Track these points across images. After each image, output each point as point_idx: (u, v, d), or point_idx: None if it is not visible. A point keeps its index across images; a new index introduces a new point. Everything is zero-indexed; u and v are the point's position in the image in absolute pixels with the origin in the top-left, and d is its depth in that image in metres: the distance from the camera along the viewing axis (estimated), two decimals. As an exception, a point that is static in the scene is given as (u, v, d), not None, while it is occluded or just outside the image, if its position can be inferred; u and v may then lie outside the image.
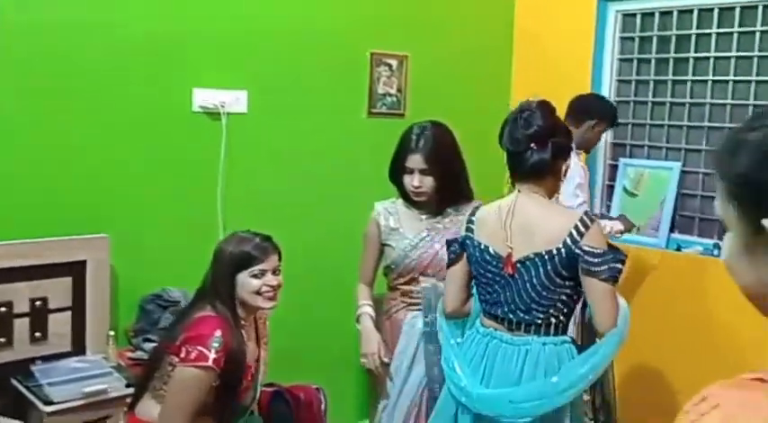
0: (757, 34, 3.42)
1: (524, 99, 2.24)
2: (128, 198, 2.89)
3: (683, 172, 3.66)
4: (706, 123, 3.64)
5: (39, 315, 2.60)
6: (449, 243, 2.32)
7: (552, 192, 2.21)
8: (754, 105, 3.46)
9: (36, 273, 2.59)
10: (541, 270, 2.07)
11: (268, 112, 3.31)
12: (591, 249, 2.03)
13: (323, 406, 3.35)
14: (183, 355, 2.11)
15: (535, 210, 2.13)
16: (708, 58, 3.59)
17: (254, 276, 2.23)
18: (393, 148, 3.71)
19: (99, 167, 2.84)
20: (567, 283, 2.08)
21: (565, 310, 2.14)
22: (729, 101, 3.55)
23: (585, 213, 2.15)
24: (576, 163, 3.31)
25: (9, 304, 2.54)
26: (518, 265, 2.10)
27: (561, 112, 2.54)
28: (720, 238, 3.52)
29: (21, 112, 2.65)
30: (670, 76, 3.75)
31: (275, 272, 2.28)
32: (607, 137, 3.87)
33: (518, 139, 2.13)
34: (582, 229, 2.05)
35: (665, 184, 3.63)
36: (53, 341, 2.65)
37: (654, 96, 3.80)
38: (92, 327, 2.72)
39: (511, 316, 2.14)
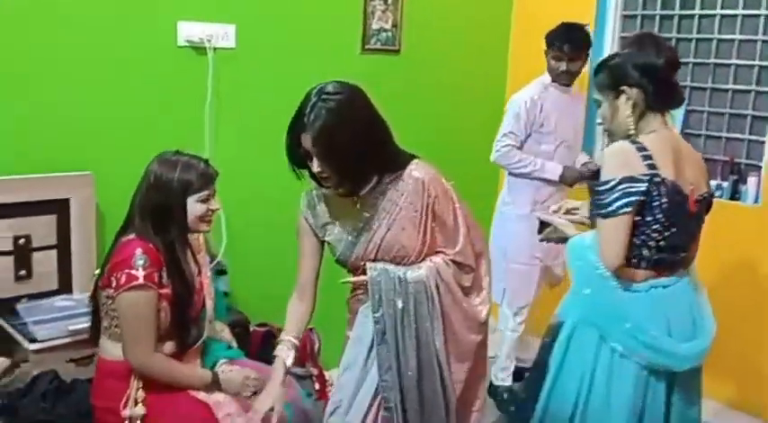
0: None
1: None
2: (113, 136, 2.82)
3: (687, 111, 3.55)
4: (712, 60, 3.52)
5: (22, 253, 2.56)
6: (626, 180, 1.95)
7: None
8: (764, 41, 3.33)
9: (19, 210, 2.55)
10: (703, 208, 2.11)
11: (257, 47, 3.21)
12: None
13: (316, 346, 3.35)
14: (113, 284, 2.08)
15: (685, 146, 2.12)
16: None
17: (201, 202, 2.19)
18: (388, 87, 3.63)
19: (82, 105, 2.76)
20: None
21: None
22: (737, 36, 3.41)
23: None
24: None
25: (-8, 241, 2.49)
26: (696, 202, 2.06)
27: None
28: (725, 179, 3.44)
29: (2, 49, 2.56)
30: (677, 11, 3.61)
31: (214, 196, 2.25)
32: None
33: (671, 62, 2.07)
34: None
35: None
36: (38, 280, 2.61)
37: (659, 31, 3.66)
38: (78, 265, 2.68)
39: (676, 258, 2.06)
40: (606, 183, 1.97)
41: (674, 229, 2.00)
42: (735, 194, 3.44)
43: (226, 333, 2.55)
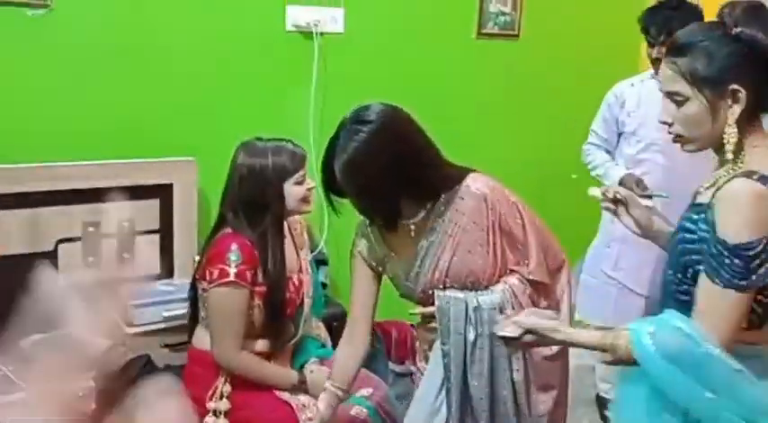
0: None
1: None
2: (216, 121, 2.82)
3: None
4: None
5: (126, 236, 2.59)
6: (763, 250, 1.31)
7: None
8: None
9: (124, 194, 2.57)
10: None
11: (366, 32, 3.11)
12: None
13: (417, 343, 3.24)
14: (207, 277, 2.05)
15: None
16: None
17: (298, 183, 2.12)
18: (504, 76, 3.42)
19: (188, 90, 2.77)
20: None
21: None
22: None
23: None
24: None
25: (97, 224, 2.54)
26: None
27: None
28: None
29: (110, 35, 2.61)
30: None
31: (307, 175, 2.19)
32: None
33: None
34: None
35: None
36: (141, 263, 2.64)
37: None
38: (179, 250, 2.70)
39: None
40: (750, 246, 1.31)
41: None
42: None
43: (321, 331, 2.48)
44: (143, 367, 2.31)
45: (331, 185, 1.75)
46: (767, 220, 1.31)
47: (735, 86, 1.36)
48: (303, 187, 2.13)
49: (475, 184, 1.78)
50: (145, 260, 2.59)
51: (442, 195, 1.78)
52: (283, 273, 2.11)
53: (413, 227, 1.82)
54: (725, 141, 1.38)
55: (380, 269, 1.90)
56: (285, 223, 2.21)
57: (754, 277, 1.31)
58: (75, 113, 2.57)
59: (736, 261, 1.31)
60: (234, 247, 2.03)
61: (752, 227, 1.31)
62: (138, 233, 2.62)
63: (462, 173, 1.80)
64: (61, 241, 2.49)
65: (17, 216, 2.41)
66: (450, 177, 1.79)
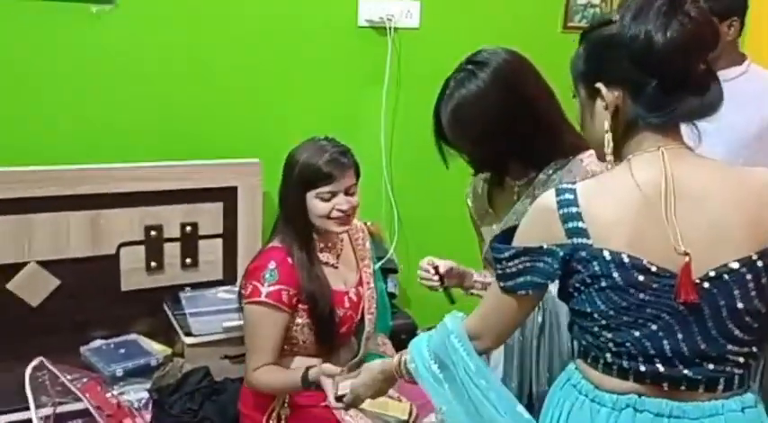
0: None
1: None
2: (282, 121, 2.69)
3: None
4: None
5: (189, 240, 2.52)
6: (516, 254, 1.24)
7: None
8: None
9: (187, 197, 2.50)
10: (752, 287, 1.16)
11: (443, 26, 2.92)
12: None
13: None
14: (243, 291, 1.92)
15: (709, 179, 1.19)
16: None
17: (322, 199, 1.90)
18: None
19: (254, 89, 2.66)
20: None
21: (762, 346, 1.25)
22: None
23: None
24: None
25: (159, 228, 2.46)
26: (705, 285, 1.16)
27: None
28: None
29: (173, 33, 2.51)
30: None
31: (349, 192, 1.93)
32: None
33: (680, 44, 1.15)
34: None
35: None
36: (204, 268, 2.56)
37: None
38: (243, 255, 2.59)
39: (684, 371, 1.19)
40: (499, 250, 1.27)
41: (645, 329, 1.18)
42: None
43: (387, 347, 2.30)
44: (200, 381, 2.20)
45: (440, 132, 1.64)
46: (533, 232, 1.23)
47: (599, 85, 1.21)
48: (328, 205, 1.90)
49: (590, 161, 1.57)
50: (207, 266, 2.54)
51: (552, 163, 1.61)
52: (321, 290, 1.93)
53: (517, 189, 1.68)
54: (604, 146, 1.22)
55: (479, 223, 1.81)
56: (346, 234, 2.06)
57: (511, 283, 1.25)
58: (136, 114, 2.49)
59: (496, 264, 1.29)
60: (272, 264, 1.89)
61: (518, 234, 1.26)
62: (201, 237, 2.55)
63: (582, 144, 1.56)
64: (123, 245, 2.42)
65: (79, 218, 2.35)
66: (568, 145, 1.59)
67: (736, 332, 1.17)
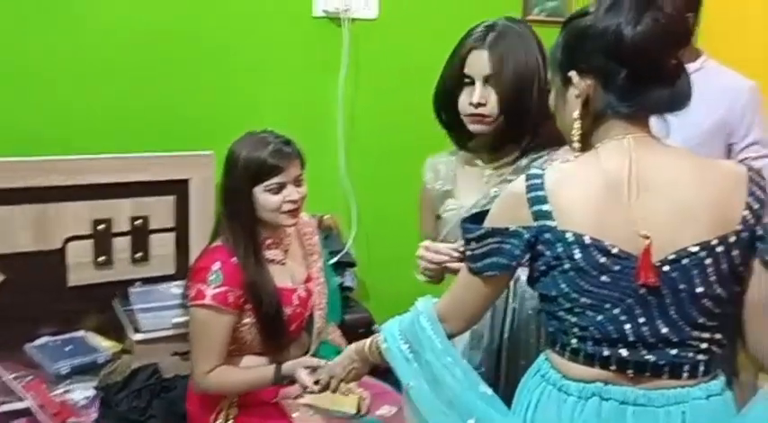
0: None
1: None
2: (237, 112, 2.63)
3: None
4: None
5: (139, 234, 2.46)
6: (484, 234, 1.28)
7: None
8: None
9: (137, 190, 2.44)
10: (711, 271, 1.19)
11: (401, 17, 2.89)
12: None
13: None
14: (188, 293, 1.88)
15: (674, 166, 1.22)
16: None
17: (272, 192, 1.86)
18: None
19: (207, 80, 2.60)
20: (743, 288, 1.25)
21: (727, 334, 1.26)
22: None
23: (748, 165, 1.29)
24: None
25: (108, 221, 2.40)
26: (665, 268, 1.18)
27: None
28: None
29: (124, 24, 2.45)
30: None
31: (297, 182, 1.91)
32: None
33: (651, 38, 1.18)
34: (760, 194, 1.22)
35: None
36: (155, 263, 2.51)
37: None
38: (196, 249, 2.52)
39: (648, 356, 1.21)
40: (469, 230, 1.31)
41: (608, 313, 1.21)
42: None
43: (336, 336, 2.28)
44: (148, 378, 2.16)
45: (448, 90, 1.67)
46: (503, 215, 1.27)
47: (572, 73, 1.25)
48: (278, 197, 1.86)
49: (565, 157, 1.54)
50: (159, 260, 2.49)
51: (530, 154, 1.65)
52: (267, 289, 1.89)
53: (487, 173, 1.70)
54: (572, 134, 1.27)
55: (438, 208, 1.77)
56: (294, 229, 2.02)
57: (479, 264, 1.28)
58: (84, 104, 2.42)
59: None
60: (216, 265, 1.85)
61: (489, 216, 1.29)
62: (151, 231, 2.49)
63: (555, 140, 1.56)
64: (70, 239, 2.35)
65: (24, 212, 2.28)
66: (553, 136, 1.55)
67: (698, 317, 1.19)
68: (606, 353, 1.21)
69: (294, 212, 1.92)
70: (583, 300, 1.20)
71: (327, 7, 2.73)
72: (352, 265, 2.85)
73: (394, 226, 3.00)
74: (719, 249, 1.18)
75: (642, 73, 1.19)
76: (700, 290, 1.18)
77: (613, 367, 1.22)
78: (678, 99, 1.22)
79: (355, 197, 2.92)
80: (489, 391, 1.33)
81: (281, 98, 2.72)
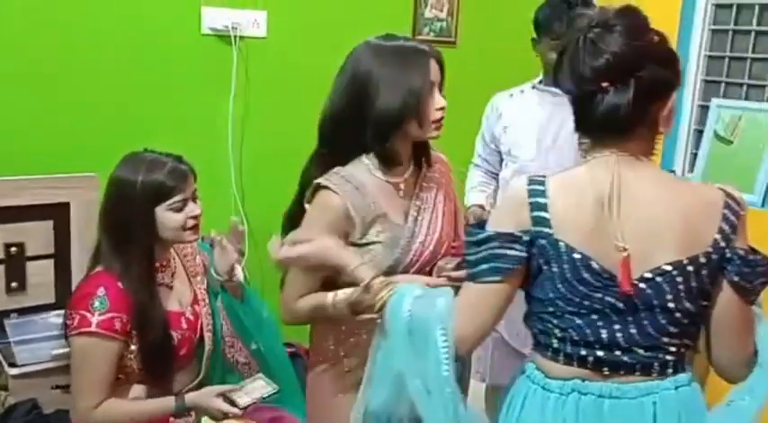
0: None
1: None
2: (121, 132, 2.53)
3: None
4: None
5: (15, 262, 2.31)
6: (487, 238, 1.32)
7: (645, 153, 1.38)
8: None
9: (12, 215, 2.29)
10: (682, 288, 1.31)
11: (291, 36, 2.88)
12: (747, 254, 1.33)
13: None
14: (70, 322, 1.80)
15: (653, 187, 1.33)
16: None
17: (174, 210, 1.83)
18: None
19: (88, 99, 2.50)
20: (710, 303, 1.37)
21: (695, 338, 1.41)
22: None
23: (726, 190, 1.37)
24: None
25: (-20, 249, 2.25)
26: (641, 285, 1.30)
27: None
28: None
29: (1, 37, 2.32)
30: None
31: (194, 197, 1.90)
32: (698, 72, 3.26)
33: (581, 74, 1.31)
34: (733, 219, 1.33)
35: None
36: (33, 292, 2.36)
37: (759, 24, 3.14)
38: (78, 276, 2.40)
39: (622, 358, 1.34)
40: (472, 234, 1.36)
41: (587, 318, 1.33)
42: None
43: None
44: (28, 413, 2.02)
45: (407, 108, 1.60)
46: (504, 218, 1.34)
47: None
48: (181, 215, 1.84)
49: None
50: (37, 289, 2.35)
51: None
52: (156, 314, 1.83)
53: (403, 185, 1.68)
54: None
55: (361, 235, 1.60)
56: (172, 250, 1.97)
57: (479, 268, 1.32)
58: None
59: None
60: (100, 291, 1.78)
61: (491, 221, 1.36)
62: (29, 259, 2.35)
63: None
64: (-62, 268, 2.19)
65: None
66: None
67: (668, 327, 1.33)
68: (583, 353, 1.34)
69: (196, 229, 1.90)
70: (564, 305, 1.32)
71: (215, 25, 2.68)
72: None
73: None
74: (690, 268, 1.30)
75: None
76: (671, 305, 1.31)
77: (590, 366, 1.34)
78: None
79: (247, 217, 2.87)
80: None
81: (168, 117, 2.65)
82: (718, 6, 3.26)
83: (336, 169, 1.62)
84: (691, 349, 1.40)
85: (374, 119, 1.57)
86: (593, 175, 1.32)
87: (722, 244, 1.31)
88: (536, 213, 1.30)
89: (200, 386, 1.96)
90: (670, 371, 1.36)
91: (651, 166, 1.36)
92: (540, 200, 1.31)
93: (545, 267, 1.31)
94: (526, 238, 1.30)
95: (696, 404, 1.38)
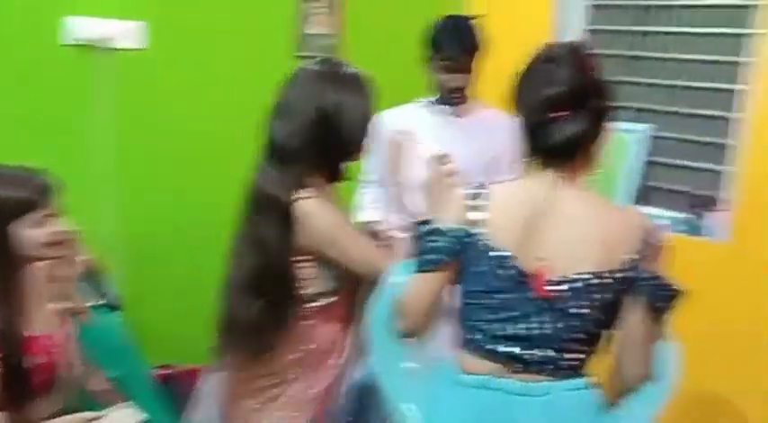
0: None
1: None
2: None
3: (655, 137, 3.20)
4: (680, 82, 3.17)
5: None
6: (427, 232, 1.54)
7: (584, 172, 1.57)
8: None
9: None
10: (597, 298, 1.48)
11: (171, 49, 2.82)
12: (657, 277, 1.49)
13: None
14: None
15: (580, 205, 1.51)
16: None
17: (37, 225, 1.75)
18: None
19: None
20: (621, 317, 1.53)
21: (599, 347, 1.58)
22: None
23: (644, 216, 1.59)
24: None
25: None
26: (561, 287, 1.48)
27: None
28: (696, 214, 3.07)
29: None
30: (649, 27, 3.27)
31: (57, 214, 1.81)
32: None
33: (537, 103, 1.49)
34: (652, 242, 1.51)
35: (629, 149, 3.16)
36: None
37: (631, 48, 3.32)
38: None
39: (535, 355, 1.51)
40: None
41: (507, 313, 1.51)
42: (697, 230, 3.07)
43: (103, 384, 2.12)
44: None
45: None
46: (449, 212, 1.54)
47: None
48: (42, 231, 1.75)
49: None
50: None
51: None
52: (12, 337, 1.74)
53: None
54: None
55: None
56: (38, 272, 1.87)
57: (424, 258, 1.53)
58: None
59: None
60: None
61: (436, 217, 1.57)
62: None
63: None
64: None
65: None
66: None
67: (579, 332, 1.49)
68: (501, 349, 1.49)
69: (62, 244, 1.81)
70: (483, 301, 1.50)
71: (82, 35, 2.59)
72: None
73: (168, 261, 2.90)
74: (607, 281, 1.47)
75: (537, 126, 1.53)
76: (585, 311, 1.47)
77: (501, 362, 1.50)
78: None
79: (126, 236, 2.77)
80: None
81: (34, 132, 2.55)
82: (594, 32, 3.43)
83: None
84: (592, 355, 1.56)
85: (342, 143, 1.83)
86: (530, 188, 1.51)
87: (636, 264, 1.47)
88: (473, 214, 1.49)
89: (64, 413, 1.87)
90: (573, 373, 1.52)
91: (583, 187, 1.53)
92: (480, 202, 1.50)
93: (470, 262, 1.50)
94: (461, 234, 1.49)
95: (593, 407, 1.54)
